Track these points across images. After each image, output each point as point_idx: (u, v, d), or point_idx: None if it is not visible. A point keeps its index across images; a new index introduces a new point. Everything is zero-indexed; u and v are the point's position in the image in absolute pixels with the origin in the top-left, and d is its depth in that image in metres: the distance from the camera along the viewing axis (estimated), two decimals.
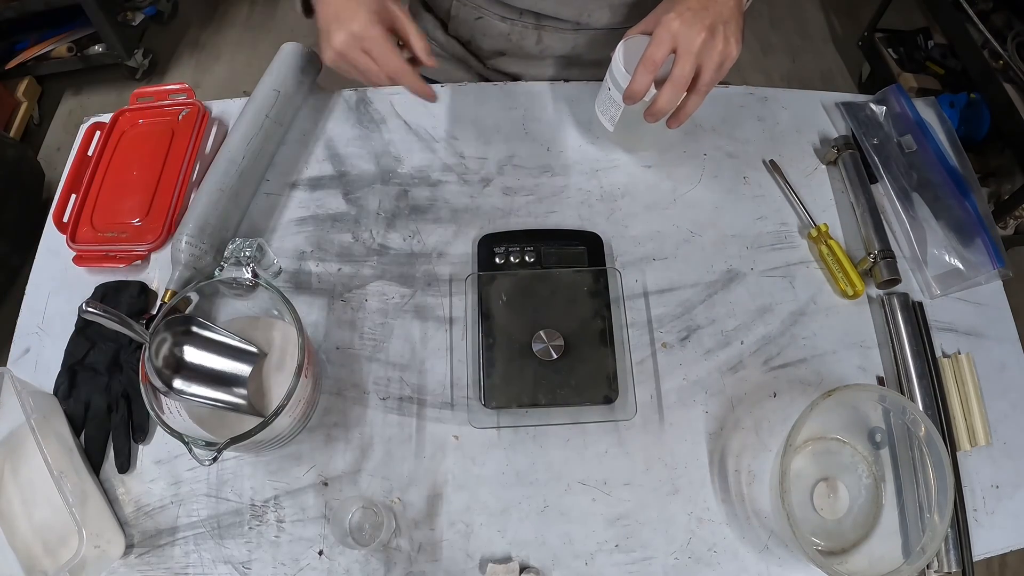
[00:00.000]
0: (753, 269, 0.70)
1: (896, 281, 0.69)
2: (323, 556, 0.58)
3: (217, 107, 0.80)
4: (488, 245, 0.69)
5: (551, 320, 0.65)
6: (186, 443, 0.51)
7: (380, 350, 0.66)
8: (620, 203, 0.73)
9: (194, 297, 0.58)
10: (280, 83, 0.74)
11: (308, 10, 0.68)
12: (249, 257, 0.62)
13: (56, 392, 0.64)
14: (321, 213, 0.73)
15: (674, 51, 0.58)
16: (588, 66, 0.83)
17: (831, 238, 0.70)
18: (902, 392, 0.65)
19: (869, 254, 0.69)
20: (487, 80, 0.86)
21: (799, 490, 0.61)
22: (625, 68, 0.63)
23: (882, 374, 0.67)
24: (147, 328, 0.54)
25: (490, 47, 0.82)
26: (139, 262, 0.70)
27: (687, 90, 0.60)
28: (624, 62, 0.63)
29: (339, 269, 0.70)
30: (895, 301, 0.68)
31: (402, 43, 0.65)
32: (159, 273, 0.70)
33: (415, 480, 0.61)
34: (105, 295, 0.68)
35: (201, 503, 0.60)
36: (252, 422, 0.52)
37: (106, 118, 0.79)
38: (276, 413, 0.51)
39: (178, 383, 0.56)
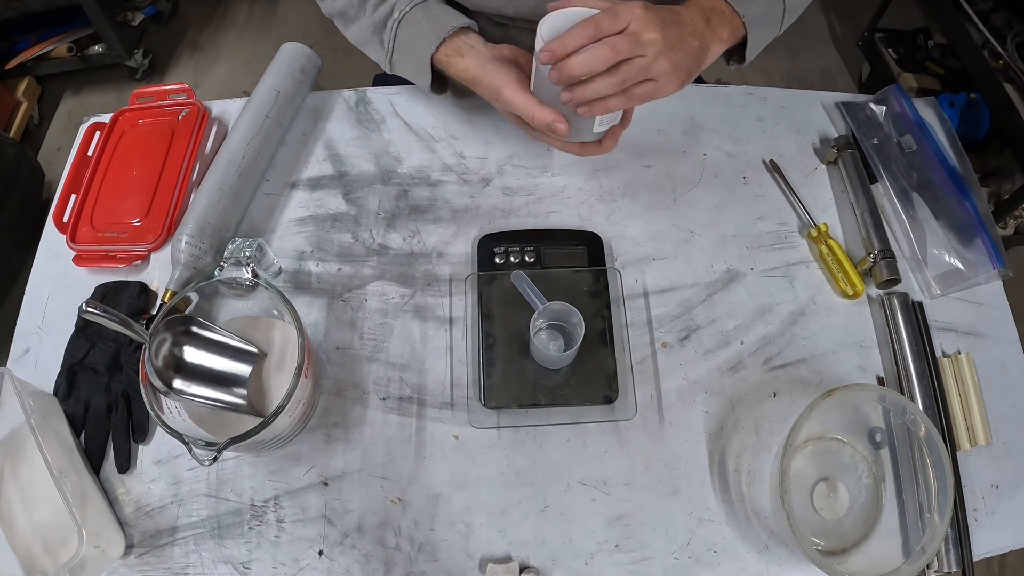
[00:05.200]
0: (753, 269, 0.70)
1: (896, 281, 0.69)
2: (323, 556, 0.58)
3: (217, 107, 0.80)
4: (488, 245, 0.69)
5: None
6: (186, 443, 0.51)
7: (380, 350, 0.66)
8: (620, 203, 0.73)
9: (194, 297, 0.58)
10: (280, 83, 0.74)
11: (439, 88, 0.72)
12: (249, 257, 0.62)
13: (56, 392, 0.64)
14: (321, 213, 0.73)
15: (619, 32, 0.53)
16: None
17: (831, 238, 0.70)
18: (902, 392, 0.65)
19: (869, 254, 0.69)
20: None
21: (799, 490, 0.61)
22: (549, 29, 0.55)
23: (882, 374, 0.67)
24: (147, 328, 0.54)
25: None
26: (139, 262, 0.70)
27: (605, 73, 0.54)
28: (549, 25, 0.56)
29: (339, 269, 0.70)
30: (895, 301, 0.68)
31: None
32: (159, 273, 0.70)
33: (415, 480, 0.61)
34: (105, 295, 0.68)
35: (201, 503, 0.60)
36: (252, 422, 0.52)
37: (106, 118, 0.79)
38: (276, 413, 0.51)
39: (178, 383, 0.56)
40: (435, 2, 0.68)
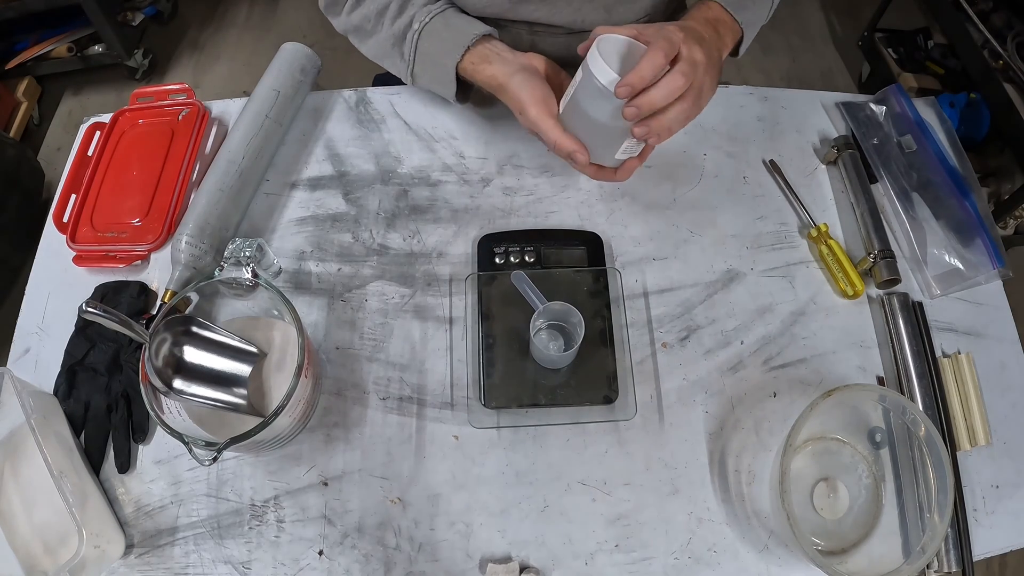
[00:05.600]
0: (753, 269, 0.70)
1: (896, 281, 0.69)
2: (323, 556, 0.58)
3: (217, 107, 0.80)
4: (488, 245, 0.69)
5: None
6: (186, 443, 0.51)
7: (380, 350, 0.66)
8: (620, 203, 0.73)
9: (194, 297, 0.58)
10: (280, 83, 0.74)
11: (462, 98, 0.71)
12: (249, 257, 0.62)
13: (56, 392, 0.64)
14: (321, 213, 0.73)
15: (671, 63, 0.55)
16: None
17: (831, 238, 0.70)
18: (902, 392, 0.65)
19: (869, 254, 0.69)
20: None
21: (799, 490, 0.61)
22: (605, 61, 0.54)
23: (882, 374, 0.67)
24: (147, 328, 0.54)
25: None
26: (139, 262, 0.70)
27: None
28: (603, 56, 0.54)
29: (339, 269, 0.70)
30: (895, 301, 0.68)
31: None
32: (159, 273, 0.70)
33: (415, 480, 0.61)
34: (105, 295, 0.68)
35: (201, 503, 0.60)
36: (252, 422, 0.52)
37: (106, 118, 0.79)
38: (276, 413, 0.51)
39: (178, 383, 0.56)
40: (453, 12, 0.68)
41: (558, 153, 0.60)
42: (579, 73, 0.57)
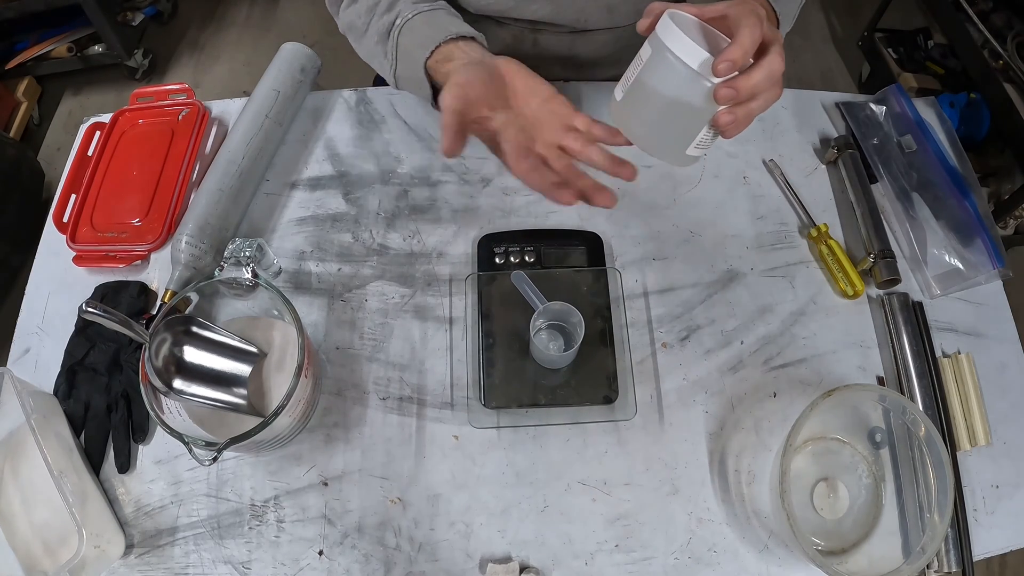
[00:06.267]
0: (753, 269, 0.70)
1: (896, 281, 0.69)
2: (323, 556, 0.58)
3: (217, 107, 0.80)
4: (488, 245, 0.69)
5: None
6: (186, 443, 0.51)
7: (380, 350, 0.66)
8: (620, 203, 0.72)
9: (194, 297, 0.58)
10: (280, 83, 0.74)
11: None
12: (249, 257, 0.62)
13: (56, 392, 0.64)
14: (321, 213, 0.73)
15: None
16: (584, 67, 0.82)
17: (831, 238, 0.70)
18: (902, 392, 0.65)
19: (869, 254, 0.69)
20: None
21: (799, 490, 0.61)
22: (687, 36, 0.47)
23: (882, 374, 0.67)
24: (147, 328, 0.54)
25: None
26: (139, 262, 0.70)
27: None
28: (684, 31, 0.47)
29: (339, 269, 0.70)
30: (895, 301, 0.68)
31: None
32: (159, 273, 0.70)
33: (415, 480, 0.61)
34: (105, 295, 0.68)
35: (201, 503, 0.60)
36: (252, 422, 0.52)
37: (106, 118, 0.79)
38: (276, 413, 0.51)
39: (178, 383, 0.56)
40: (443, 12, 0.64)
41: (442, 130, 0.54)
42: (644, 53, 0.49)
